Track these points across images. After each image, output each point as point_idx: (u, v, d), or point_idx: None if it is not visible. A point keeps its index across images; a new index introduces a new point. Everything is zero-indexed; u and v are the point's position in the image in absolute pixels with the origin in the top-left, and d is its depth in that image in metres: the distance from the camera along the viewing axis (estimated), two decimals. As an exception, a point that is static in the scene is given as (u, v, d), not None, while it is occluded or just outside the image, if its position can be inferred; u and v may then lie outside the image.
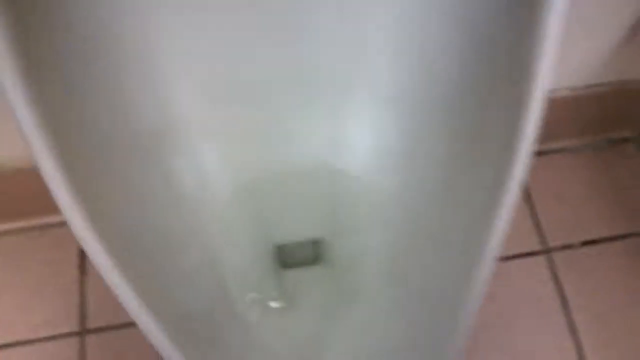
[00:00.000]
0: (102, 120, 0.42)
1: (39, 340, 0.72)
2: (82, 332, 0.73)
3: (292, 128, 0.49)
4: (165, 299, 0.39)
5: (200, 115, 0.48)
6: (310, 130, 0.49)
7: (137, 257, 0.41)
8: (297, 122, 0.49)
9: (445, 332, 0.37)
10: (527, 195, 0.85)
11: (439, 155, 0.45)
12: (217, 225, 0.50)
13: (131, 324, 0.72)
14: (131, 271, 0.35)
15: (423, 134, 0.46)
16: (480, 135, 0.42)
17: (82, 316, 0.74)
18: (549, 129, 0.83)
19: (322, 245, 0.51)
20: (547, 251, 0.82)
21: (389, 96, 0.47)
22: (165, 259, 0.44)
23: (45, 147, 0.33)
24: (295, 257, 0.51)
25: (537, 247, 0.82)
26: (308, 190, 0.51)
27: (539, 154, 0.87)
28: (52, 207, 0.79)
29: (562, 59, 0.70)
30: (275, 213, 0.51)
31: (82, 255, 0.77)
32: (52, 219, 0.78)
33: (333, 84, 0.48)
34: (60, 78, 0.37)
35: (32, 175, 0.67)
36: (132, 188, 0.44)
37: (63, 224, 0.77)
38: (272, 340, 0.47)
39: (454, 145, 0.43)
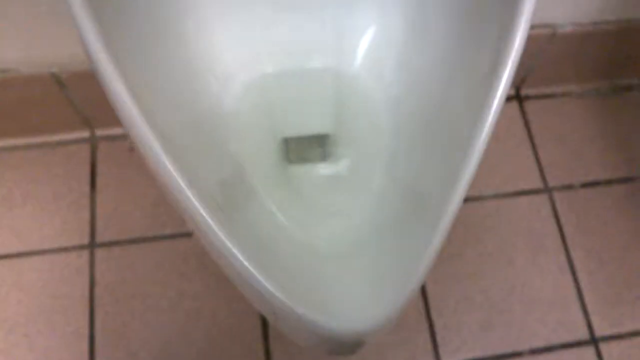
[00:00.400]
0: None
1: (51, 250, 0.75)
2: (92, 245, 0.75)
3: (300, 24, 0.51)
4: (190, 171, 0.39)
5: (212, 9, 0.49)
6: (318, 28, 0.51)
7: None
8: (305, 19, 0.50)
9: (425, 232, 0.37)
10: (530, 136, 0.86)
11: (439, 53, 0.46)
12: (231, 117, 0.51)
13: (137, 240, 0.76)
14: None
15: (425, 32, 0.47)
16: (479, 31, 0.42)
17: (92, 230, 0.76)
18: (554, 69, 0.84)
19: (328, 142, 0.53)
20: (548, 190, 0.83)
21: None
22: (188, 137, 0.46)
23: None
24: (302, 154, 0.53)
25: (538, 185, 0.83)
26: (315, 87, 0.52)
27: (544, 97, 0.89)
28: (67, 123, 0.82)
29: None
30: (283, 109, 0.53)
31: (93, 172, 0.79)
32: (66, 135, 0.80)
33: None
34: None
35: (48, 82, 0.69)
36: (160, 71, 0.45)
37: (77, 141, 0.80)
38: (281, 214, 0.48)
39: (454, 37, 0.44)
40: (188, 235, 0.77)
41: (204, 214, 0.33)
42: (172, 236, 0.76)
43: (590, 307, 0.77)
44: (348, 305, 0.34)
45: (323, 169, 0.52)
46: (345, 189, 0.49)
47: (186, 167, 0.34)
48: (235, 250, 0.32)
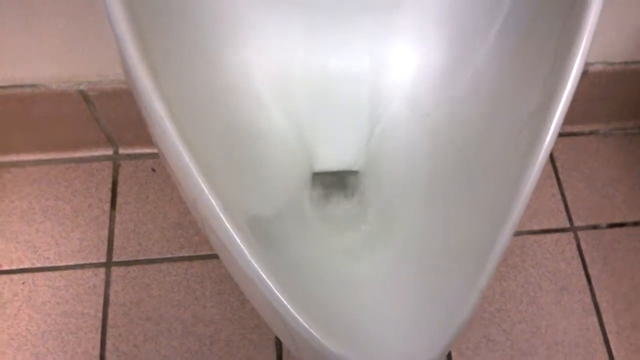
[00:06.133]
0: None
1: (67, 267, 0.74)
2: (109, 263, 0.74)
3: (338, 54, 0.50)
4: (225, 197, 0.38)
5: (247, 20, 0.48)
6: (356, 58, 0.50)
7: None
8: (343, 48, 0.50)
9: (472, 268, 0.36)
10: (556, 174, 0.85)
11: (482, 86, 0.45)
12: (264, 149, 0.50)
13: (154, 260, 0.74)
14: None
15: (468, 63, 0.46)
16: (528, 64, 0.41)
17: (110, 248, 0.75)
18: (582, 108, 0.84)
19: (361, 177, 0.52)
20: (573, 229, 0.81)
21: (435, 16, 0.47)
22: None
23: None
24: (335, 189, 0.52)
25: (564, 224, 0.81)
26: (349, 119, 0.51)
27: (571, 135, 0.88)
28: (91, 141, 0.81)
29: (598, 32, 0.71)
30: (316, 142, 0.52)
31: (114, 190, 0.79)
32: (90, 152, 0.79)
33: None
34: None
35: (76, 99, 0.69)
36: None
37: (100, 158, 0.80)
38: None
39: (500, 68, 0.44)
40: (205, 258, 0.75)
41: (238, 240, 0.32)
42: (190, 258, 0.75)
43: (615, 352, 0.74)
44: (386, 343, 0.32)
45: (356, 204, 0.51)
46: (380, 224, 0.47)
47: (222, 193, 0.33)
48: (266, 278, 0.31)
